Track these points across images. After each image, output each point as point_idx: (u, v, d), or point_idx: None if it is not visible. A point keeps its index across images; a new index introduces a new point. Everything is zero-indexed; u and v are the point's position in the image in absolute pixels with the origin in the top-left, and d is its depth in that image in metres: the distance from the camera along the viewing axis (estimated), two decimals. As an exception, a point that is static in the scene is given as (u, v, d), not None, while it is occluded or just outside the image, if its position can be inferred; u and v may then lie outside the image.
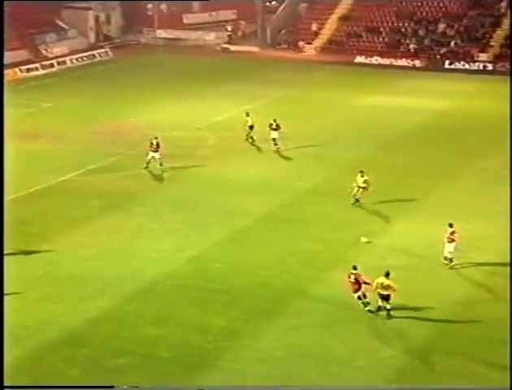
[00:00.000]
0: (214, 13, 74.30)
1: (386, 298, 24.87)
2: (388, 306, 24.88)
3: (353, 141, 42.01)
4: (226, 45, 68.37)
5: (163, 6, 72.61)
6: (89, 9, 68.27)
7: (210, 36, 70.69)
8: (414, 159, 39.22)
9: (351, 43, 65.90)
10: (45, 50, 62.70)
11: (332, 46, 66.06)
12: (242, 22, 72.07)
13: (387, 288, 24.69)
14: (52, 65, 59.88)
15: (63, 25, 66.80)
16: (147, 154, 37.09)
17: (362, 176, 33.06)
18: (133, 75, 57.54)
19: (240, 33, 71.66)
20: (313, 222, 31.88)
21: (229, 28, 71.21)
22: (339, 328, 24.49)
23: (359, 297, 25.11)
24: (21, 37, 61.47)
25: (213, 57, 64.39)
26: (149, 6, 71.93)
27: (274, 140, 40.21)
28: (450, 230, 28.02)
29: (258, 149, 41.01)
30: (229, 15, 74.40)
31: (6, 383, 20.47)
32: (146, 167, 37.13)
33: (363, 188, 33.02)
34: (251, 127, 41.39)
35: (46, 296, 26.15)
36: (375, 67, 61.01)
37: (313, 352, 23.23)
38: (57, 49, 63.17)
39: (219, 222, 31.79)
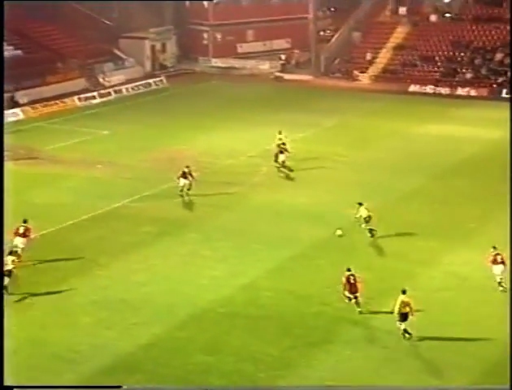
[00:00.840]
0: (268, 42, 74.75)
1: (405, 317, 24.74)
2: (403, 326, 24.73)
3: (407, 170, 41.62)
4: (279, 74, 68.61)
5: (218, 36, 73.34)
6: (146, 38, 69.25)
7: (264, 65, 71.05)
8: (468, 188, 38.68)
9: (406, 72, 65.53)
10: (103, 79, 63.67)
11: (387, 75, 65.79)
12: (296, 51, 72.34)
13: (406, 305, 24.66)
14: (109, 93, 60.75)
15: (121, 55, 67.84)
16: (178, 181, 37.21)
17: (364, 208, 32.56)
18: (188, 103, 58.07)
19: (293, 62, 71.88)
20: (365, 250, 31.56)
21: (283, 57, 71.49)
22: (392, 360, 24.10)
23: (349, 298, 26.21)
24: (81, 67, 62.59)
25: (266, 85, 64.66)
26: (205, 35, 72.73)
27: (282, 162, 41.05)
28: (494, 252, 27.51)
29: (309, 177, 40.91)
30: (283, 44, 74.76)
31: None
32: (181, 195, 37.14)
33: (368, 218, 32.51)
34: (283, 143, 42.39)
35: (99, 321, 26.30)
36: (429, 96, 60.53)
37: (366, 383, 22.86)
38: (114, 78, 64.09)
39: (270, 249, 31.68)
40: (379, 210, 35.53)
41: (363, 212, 32.69)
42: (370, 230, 32.64)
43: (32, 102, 56.00)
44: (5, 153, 43.04)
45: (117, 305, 27.30)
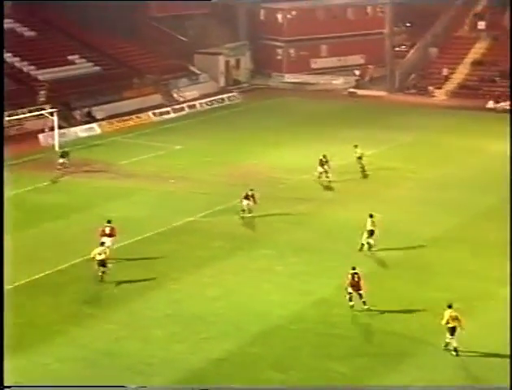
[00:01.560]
0: (342, 58, 74.59)
1: (453, 331, 24.77)
2: (455, 343, 24.53)
3: (484, 187, 40.92)
4: (353, 90, 68.41)
5: (292, 51, 73.55)
6: (220, 54, 69.93)
7: (338, 81, 70.92)
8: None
9: (484, 88, 64.52)
10: (178, 94, 64.52)
11: (463, 91, 64.89)
12: (370, 66, 72.02)
13: (454, 319, 24.76)
14: (183, 108, 61.49)
15: (195, 70, 68.67)
16: (241, 202, 37.26)
17: (372, 220, 32.88)
18: (261, 119, 58.34)
19: (368, 78, 71.57)
20: (440, 270, 31.10)
21: (357, 73, 71.27)
22: (468, 380, 23.64)
23: (360, 295, 27.40)
24: (156, 83, 63.56)
25: (340, 101, 64.54)
26: (279, 50, 73.06)
27: (320, 173, 41.98)
28: None
29: (383, 193, 40.60)
30: (357, 59, 74.52)
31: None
32: (242, 217, 37.07)
33: (372, 231, 32.73)
34: (360, 158, 43.45)
35: (171, 334, 26.56)
36: (508, 113, 59.43)
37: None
38: (188, 93, 64.87)
39: (342, 266, 31.46)
40: (456, 228, 35.00)
41: (368, 224, 32.94)
42: (369, 243, 32.82)
43: (108, 117, 57.07)
44: (82, 168, 44.46)
45: (189, 319, 27.53)
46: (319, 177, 42.42)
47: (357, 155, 43.99)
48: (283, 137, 51.65)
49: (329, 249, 33.49)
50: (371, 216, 33.21)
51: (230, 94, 65.63)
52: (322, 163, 42.36)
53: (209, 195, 40.61)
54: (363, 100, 65.09)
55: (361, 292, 27.90)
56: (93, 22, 63.61)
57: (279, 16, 73.65)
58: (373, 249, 32.96)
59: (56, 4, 63.74)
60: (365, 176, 43.36)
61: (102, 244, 31.28)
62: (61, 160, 44.27)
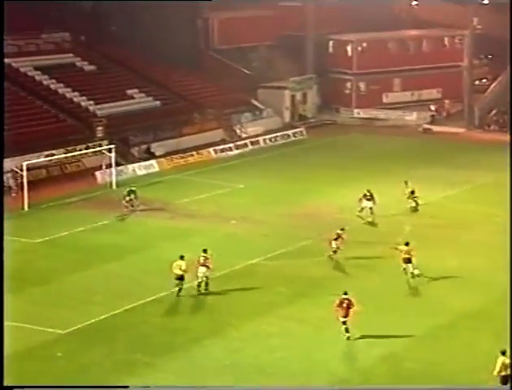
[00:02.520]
0: (416, 92, 74.41)
1: (506, 381, 24.35)
2: None
3: None
4: (428, 126, 68.06)
5: (362, 85, 73.67)
6: (286, 88, 70.35)
7: (412, 116, 70.68)
8: None
9: None
10: (240, 130, 65.06)
11: (550, 128, 63.98)
12: (447, 101, 71.64)
13: (507, 367, 24.49)
14: (246, 145, 61.91)
15: (259, 105, 69.20)
16: (330, 243, 37.30)
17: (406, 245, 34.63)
18: (328, 156, 58.35)
19: (444, 113, 71.19)
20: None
21: (433, 108, 70.91)
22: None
23: (345, 323, 28.42)
24: (218, 118, 64.25)
25: (413, 138, 64.26)
26: (348, 84, 73.26)
27: (370, 209, 42.80)
28: None
29: (460, 238, 40.12)
30: (433, 93, 74.20)
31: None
32: (331, 258, 37.27)
33: (409, 259, 34.17)
34: (412, 192, 44.32)
35: (229, 387, 26.53)
36: None
37: None
38: (251, 129, 65.33)
39: (414, 316, 31.16)
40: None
41: (403, 252, 34.54)
42: (412, 273, 34.32)
43: (167, 154, 57.81)
44: (140, 207, 45.12)
45: (249, 369, 27.50)
46: (360, 211, 42.93)
47: (409, 190, 44.45)
48: (350, 176, 51.57)
49: (398, 297, 33.18)
50: (407, 244, 34.48)
51: (295, 130, 65.92)
52: (366, 198, 42.87)
53: (272, 237, 40.71)
54: (439, 137, 64.68)
55: (346, 319, 28.85)
56: (153, 55, 64.89)
57: (349, 48, 73.97)
58: (417, 277, 34.01)
59: (116, 38, 65.31)
60: (415, 210, 44.00)
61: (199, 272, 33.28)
62: (127, 198, 44.99)
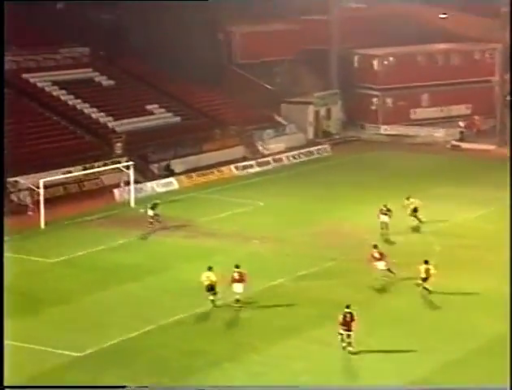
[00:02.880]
0: (445, 108, 74.15)
1: None
2: None
3: None
4: (457, 143, 67.78)
5: (389, 100, 73.53)
6: (309, 103, 70.38)
7: (440, 133, 70.39)
8: None
9: None
10: (262, 147, 65.10)
11: None
12: (477, 117, 71.32)
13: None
14: (268, 162, 61.93)
15: (282, 121, 69.27)
16: (370, 262, 37.04)
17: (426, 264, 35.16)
18: (352, 174, 58.22)
19: (474, 130, 70.87)
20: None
21: (462, 124, 70.57)
22: None
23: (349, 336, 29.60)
24: (239, 134, 64.35)
25: (441, 155, 64.02)
26: (374, 100, 73.18)
27: (385, 224, 43.12)
28: None
29: (491, 259, 39.79)
30: (463, 109, 73.85)
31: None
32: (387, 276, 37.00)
33: (425, 279, 34.92)
34: (415, 209, 44.18)
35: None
36: None
37: None
38: (273, 146, 65.35)
39: (444, 341, 30.90)
40: None
41: (422, 271, 35.21)
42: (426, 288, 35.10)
43: (187, 171, 57.96)
44: (158, 225, 45.20)
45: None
46: (382, 228, 43.05)
47: (412, 207, 44.25)
48: (375, 194, 51.26)
49: (429, 321, 32.95)
50: (426, 262, 35.11)
51: (319, 147, 65.88)
52: (383, 213, 43.15)
53: (294, 257, 40.61)
54: (468, 154, 64.36)
55: (350, 332, 29.59)
56: (173, 69, 65.16)
57: (375, 63, 73.90)
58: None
59: (135, 52, 65.67)
60: (417, 230, 43.99)
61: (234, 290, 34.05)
62: (151, 213, 45.05)
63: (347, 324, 29.89)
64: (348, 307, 30.22)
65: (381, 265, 36.82)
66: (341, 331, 30.01)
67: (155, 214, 45.17)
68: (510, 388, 22.14)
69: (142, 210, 46.12)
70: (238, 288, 34.24)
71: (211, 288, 34.23)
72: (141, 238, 43.90)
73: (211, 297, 34.30)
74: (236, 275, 34.28)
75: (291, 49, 73.22)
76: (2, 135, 44.21)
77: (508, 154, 60.44)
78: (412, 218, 44.48)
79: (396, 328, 32.11)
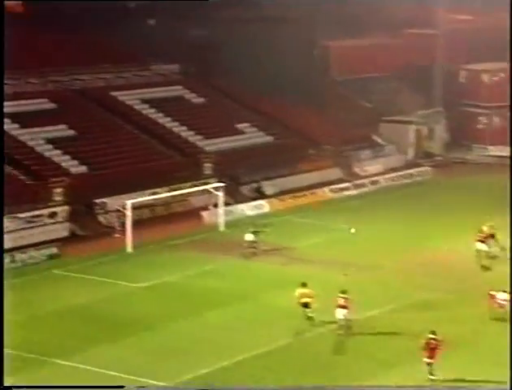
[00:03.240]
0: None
1: None
2: None
3: None
4: None
5: (498, 119, 72.73)
6: (410, 123, 70.19)
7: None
8: None
9: None
10: (359, 168, 65.22)
11: None
12: None
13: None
14: (365, 185, 61.94)
15: (380, 141, 69.26)
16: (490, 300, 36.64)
17: None
18: (455, 199, 57.55)
19: None
20: None
21: None
22: None
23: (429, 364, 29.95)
24: (334, 154, 64.60)
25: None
26: (481, 118, 72.50)
27: (485, 252, 42.89)
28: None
29: None
30: None
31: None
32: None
33: None
34: (492, 235, 43.74)
35: None
36: None
37: None
38: (371, 168, 65.37)
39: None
40: None
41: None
42: None
43: (279, 193, 58.39)
44: (249, 250, 45.83)
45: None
46: (478, 256, 42.73)
47: (489, 233, 43.74)
48: (480, 221, 50.60)
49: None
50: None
51: (420, 169, 65.61)
52: (480, 240, 42.63)
53: (393, 286, 40.60)
54: None
55: (432, 361, 30.21)
56: (265, 87, 65.82)
57: (485, 78, 73.20)
58: None
59: (226, 69, 66.67)
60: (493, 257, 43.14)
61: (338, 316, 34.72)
62: (250, 238, 45.96)
63: (431, 351, 30.49)
64: (433, 333, 30.83)
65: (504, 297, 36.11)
66: (427, 360, 30.58)
67: (253, 241, 45.84)
68: (510, 388, 22.74)
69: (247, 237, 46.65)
70: (342, 314, 34.77)
71: (306, 305, 35.41)
72: (227, 264, 44.49)
73: (309, 314, 35.49)
74: (341, 301, 34.84)
75: (391, 64, 73.25)
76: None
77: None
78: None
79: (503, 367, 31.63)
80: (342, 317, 34.83)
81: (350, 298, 35.03)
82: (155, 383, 30.55)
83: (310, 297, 35.53)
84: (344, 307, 34.81)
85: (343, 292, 35.25)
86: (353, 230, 47.66)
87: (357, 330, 35.47)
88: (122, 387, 22.89)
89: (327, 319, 35.91)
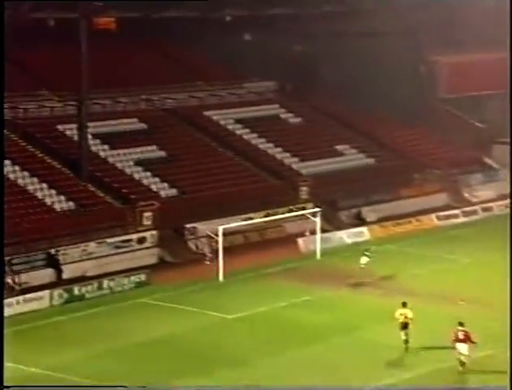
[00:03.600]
0: None
1: None
2: None
3: None
4: None
5: None
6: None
7: None
8: None
9: None
10: (469, 194, 64.54)
11: None
12: None
13: None
14: (475, 212, 61.17)
15: (493, 164, 68.43)
16: None
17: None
18: None
19: None
20: None
21: None
22: None
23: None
24: (442, 179, 64.14)
25: None
26: None
27: None
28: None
29: None
30: None
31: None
32: None
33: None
34: None
35: None
36: None
37: None
38: (483, 193, 64.59)
39: None
40: None
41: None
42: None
43: (381, 220, 58.22)
44: (347, 280, 45.87)
45: None
46: None
47: None
48: None
49: None
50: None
51: (536, 195, 64.62)
52: None
53: (506, 324, 40.05)
54: None
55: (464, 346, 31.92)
56: (367, 106, 65.93)
57: None
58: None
59: (326, 86, 67.05)
60: None
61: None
62: (364, 261, 46.52)
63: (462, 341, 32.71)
64: (461, 324, 33.04)
65: None
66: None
67: (363, 266, 46.33)
68: (510, 388, 23.04)
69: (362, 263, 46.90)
70: (463, 348, 34.54)
71: (405, 326, 36.23)
72: (325, 295, 44.56)
73: (403, 337, 36.33)
74: (461, 335, 34.60)
75: (506, 80, 72.43)
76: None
77: None
78: None
79: None
80: (463, 352, 34.49)
81: (470, 332, 34.66)
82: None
83: (409, 318, 36.32)
84: (463, 341, 34.51)
85: (461, 323, 35.01)
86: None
87: (471, 371, 34.85)
88: (124, 387, 23.57)
89: (433, 354, 35.88)
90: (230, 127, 63.91)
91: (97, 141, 57.33)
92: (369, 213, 59.29)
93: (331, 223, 56.76)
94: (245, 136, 63.36)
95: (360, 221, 58.30)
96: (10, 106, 55.77)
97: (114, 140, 58.29)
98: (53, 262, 46.98)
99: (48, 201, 51.03)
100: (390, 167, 63.82)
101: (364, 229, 56.67)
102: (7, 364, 30.12)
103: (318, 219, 51.81)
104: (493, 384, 28.27)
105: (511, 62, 62.71)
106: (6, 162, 51.61)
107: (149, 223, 51.60)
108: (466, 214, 60.77)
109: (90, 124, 55.40)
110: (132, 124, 60.63)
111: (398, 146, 66.79)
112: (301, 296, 44.38)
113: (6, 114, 54.43)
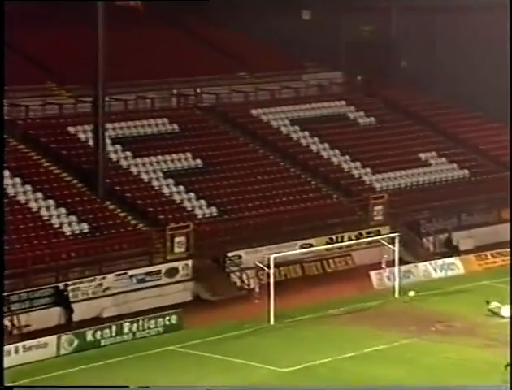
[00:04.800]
0: None
1: None
2: None
3: None
4: None
5: None
6: None
7: None
8: None
9: None
10: None
11: None
12: None
13: None
14: None
15: None
16: None
17: None
18: None
19: None
20: None
21: None
22: None
23: None
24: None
25: None
26: None
27: None
28: None
29: None
30: None
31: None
32: None
33: None
34: None
35: None
36: None
37: None
38: None
39: None
40: None
41: None
42: None
43: (478, 249, 57.92)
44: (434, 325, 45.59)
45: None
46: None
47: None
48: None
49: None
50: None
51: None
52: None
53: None
54: None
55: None
56: (457, 102, 65.79)
57: None
58: None
59: (407, 79, 66.90)
60: None
61: None
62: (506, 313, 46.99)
63: None
64: None
65: None
66: None
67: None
68: (510, 388, 25.17)
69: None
70: None
71: None
72: (404, 343, 44.48)
73: None
74: None
75: None
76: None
77: None
78: None
79: None
80: None
81: None
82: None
83: None
84: None
85: None
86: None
87: None
88: (125, 387, 24.27)
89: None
90: (284, 129, 64.08)
91: (118, 147, 57.66)
92: (463, 239, 59.24)
93: (413, 251, 56.80)
94: (302, 141, 63.50)
95: (451, 250, 58.14)
96: (8, 103, 55.41)
97: (138, 145, 58.58)
98: (60, 300, 47.24)
99: (55, 222, 51.25)
100: (488, 181, 63.74)
101: (457, 260, 56.40)
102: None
103: (396, 247, 51.70)
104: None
105: (511, 58, 62.17)
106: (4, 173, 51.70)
107: (181, 250, 51.80)
108: None
109: (108, 126, 55.80)
110: (161, 126, 60.92)
111: (499, 154, 66.39)
112: (373, 345, 44.27)
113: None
